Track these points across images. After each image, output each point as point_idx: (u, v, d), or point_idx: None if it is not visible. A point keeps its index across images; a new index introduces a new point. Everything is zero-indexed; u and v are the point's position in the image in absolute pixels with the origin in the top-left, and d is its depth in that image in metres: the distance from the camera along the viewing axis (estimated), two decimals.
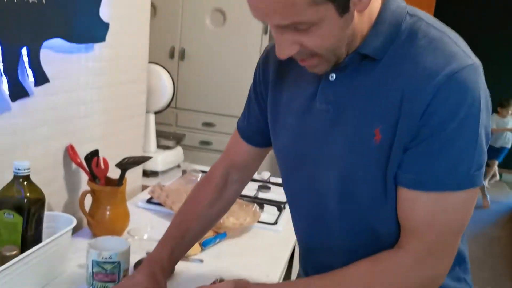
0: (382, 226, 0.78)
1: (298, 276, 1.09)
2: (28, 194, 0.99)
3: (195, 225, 1.03)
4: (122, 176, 1.29)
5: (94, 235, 1.34)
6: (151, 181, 1.88)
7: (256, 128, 1.01)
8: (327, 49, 0.71)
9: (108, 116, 1.49)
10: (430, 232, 0.74)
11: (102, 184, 1.30)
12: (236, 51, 3.33)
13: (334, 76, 0.78)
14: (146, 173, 1.91)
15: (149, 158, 1.33)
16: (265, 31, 3.26)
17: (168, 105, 1.92)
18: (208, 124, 3.43)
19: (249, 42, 3.30)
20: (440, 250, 0.75)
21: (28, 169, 1.00)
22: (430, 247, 0.74)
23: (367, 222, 0.79)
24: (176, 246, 1.00)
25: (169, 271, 1.00)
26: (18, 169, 0.99)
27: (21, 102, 1.11)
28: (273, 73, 0.92)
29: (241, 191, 1.11)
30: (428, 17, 0.75)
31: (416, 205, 0.73)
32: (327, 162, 0.80)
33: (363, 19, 0.71)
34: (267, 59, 0.94)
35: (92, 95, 1.40)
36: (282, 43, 0.70)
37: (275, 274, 1.24)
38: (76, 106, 1.34)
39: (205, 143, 3.41)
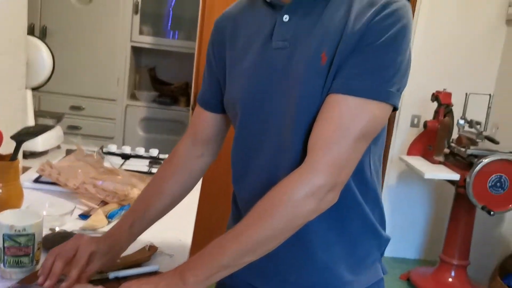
0: None
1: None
2: None
3: (158, 202, 1.02)
4: (17, 149, 1.19)
5: None
6: (30, 163, 1.74)
7: (215, 92, 1.02)
8: None
9: None
10: (335, 139, 0.78)
11: None
12: (104, 30, 3.19)
13: (288, 17, 0.87)
14: (23, 154, 1.76)
15: (50, 127, 1.25)
16: (136, 11, 3.18)
17: (48, 80, 1.79)
18: (76, 108, 3.24)
19: (119, 21, 3.19)
20: (339, 158, 0.78)
21: None
22: (330, 155, 0.78)
23: None
24: (136, 220, 0.99)
25: (126, 244, 0.99)
26: None
27: None
28: (229, 32, 0.97)
29: (208, 165, 1.09)
30: None
31: (334, 108, 0.80)
32: (285, 93, 0.85)
33: None
34: (222, 22, 1.00)
35: None
36: None
37: (187, 237, 1.27)
38: None
39: (74, 127, 3.23)
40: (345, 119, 0.79)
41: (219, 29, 1.01)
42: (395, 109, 0.83)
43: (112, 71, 3.25)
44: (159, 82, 3.54)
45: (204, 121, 1.06)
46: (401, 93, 0.83)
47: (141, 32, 3.25)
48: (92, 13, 3.17)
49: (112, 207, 1.33)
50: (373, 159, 0.92)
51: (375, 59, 0.80)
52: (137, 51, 3.40)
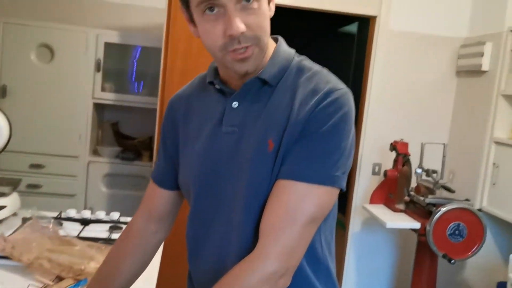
0: None
1: None
2: None
3: (117, 282, 1.02)
4: None
5: None
6: None
7: (169, 169, 1.04)
8: (263, 31, 0.85)
9: None
10: (284, 225, 0.80)
11: None
12: (66, 88, 3.19)
13: (237, 103, 0.91)
14: None
15: (3, 206, 1.23)
16: (98, 69, 3.19)
17: (3, 149, 1.76)
18: (36, 166, 3.18)
19: (81, 79, 3.20)
20: (288, 244, 0.80)
21: None
22: (281, 240, 0.80)
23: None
24: None
25: None
26: None
27: None
28: (182, 113, 1.00)
29: (162, 240, 1.11)
30: (309, 59, 0.95)
31: (283, 194, 0.82)
32: (235, 176, 0.88)
33: (266, 54, 0.89)
34: (176, 103, 1.03)
35: None
36: (237, 22, 0.81)
37: None
38: None
39: (34, 186, 3.16)
40: (293, 205, 0.82)
41: (173, 109, 1.04)
42: (341, 190, 0.87)
43: (74, 128, 3.23)
44: (122, 137, 3.53)
45: (158, 198, 1.07)
46: (346, 175, 0.87)
47: (103, 89, 3.26)
48: (54, 71, 3.17)
49: (68, 283, 1.30)
50: (324, 234, 0.94)
51: (319, 146, 0.83)
52: (99, 107, 3.40)
